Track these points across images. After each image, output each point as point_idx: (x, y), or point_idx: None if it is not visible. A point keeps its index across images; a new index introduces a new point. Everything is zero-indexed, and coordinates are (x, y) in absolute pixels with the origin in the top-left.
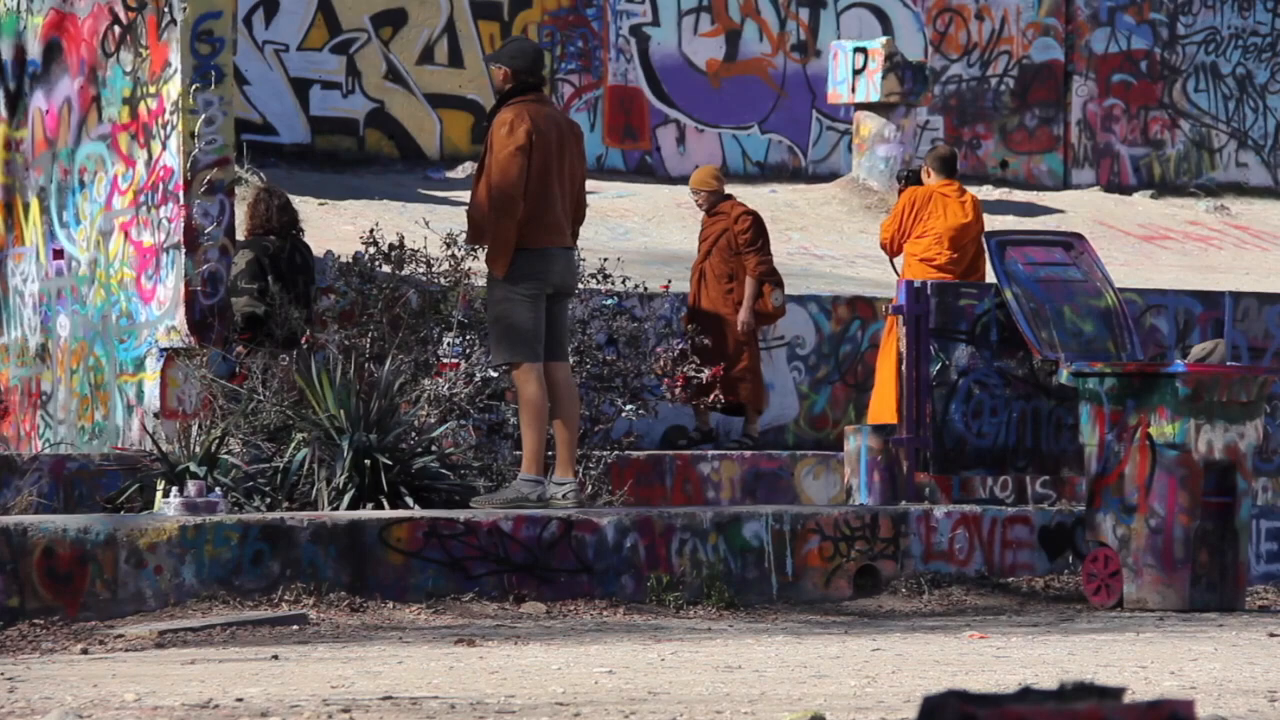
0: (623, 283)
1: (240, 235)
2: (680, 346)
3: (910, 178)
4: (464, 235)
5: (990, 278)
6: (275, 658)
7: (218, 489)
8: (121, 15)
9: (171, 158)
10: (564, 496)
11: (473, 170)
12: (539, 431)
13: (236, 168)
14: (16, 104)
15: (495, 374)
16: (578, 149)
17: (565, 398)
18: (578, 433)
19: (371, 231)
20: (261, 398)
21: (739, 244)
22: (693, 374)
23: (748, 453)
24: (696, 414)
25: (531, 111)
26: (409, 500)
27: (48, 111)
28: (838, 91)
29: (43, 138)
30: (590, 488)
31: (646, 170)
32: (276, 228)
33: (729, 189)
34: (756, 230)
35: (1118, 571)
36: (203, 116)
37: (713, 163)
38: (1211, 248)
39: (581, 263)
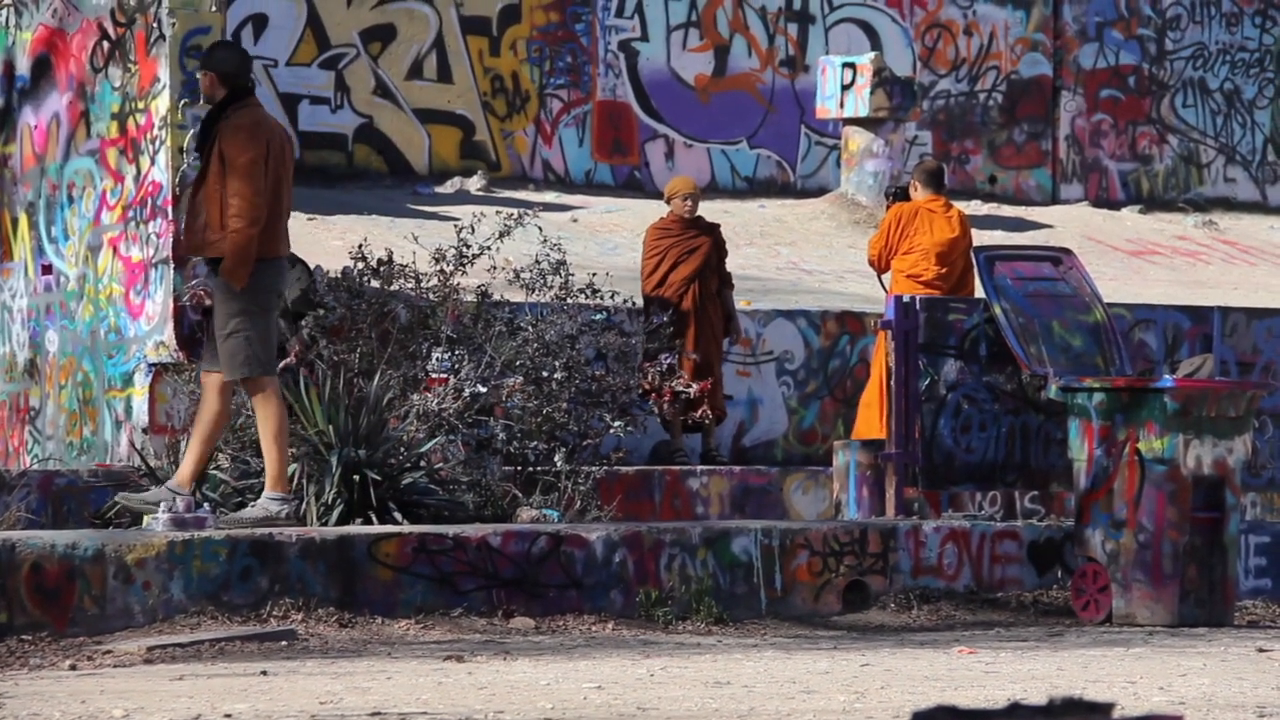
0: (611, 298)
1: None
2: (668, 361)
3: (899, 193)
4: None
5: (979, 293)
6: (264, 673)
7: (206, 504)
8: (111, 31)
9: (160, 173)
10: (285, 516)
11: (460, 185)
12: (285, 447)
13: None
14: (5, 119)
15: (484, 389)
16: (292, 156)
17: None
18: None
19: (360, 247)
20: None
21: (723, 256)
22: (680, 389)
23: (736, 468)
24: (674, 433)
25: (261, 117)
26: (397, 516)
27: (36, 127)
28: (826, 107)
29: (31, 153)
30: (579, 503)
31: (635, 185)
32: None
33: (719, 204)
34: None
35: (1106, 586)
36: (191, 131)
37: (701, 177)
38: (1200, 263)
39: (571, 277)
